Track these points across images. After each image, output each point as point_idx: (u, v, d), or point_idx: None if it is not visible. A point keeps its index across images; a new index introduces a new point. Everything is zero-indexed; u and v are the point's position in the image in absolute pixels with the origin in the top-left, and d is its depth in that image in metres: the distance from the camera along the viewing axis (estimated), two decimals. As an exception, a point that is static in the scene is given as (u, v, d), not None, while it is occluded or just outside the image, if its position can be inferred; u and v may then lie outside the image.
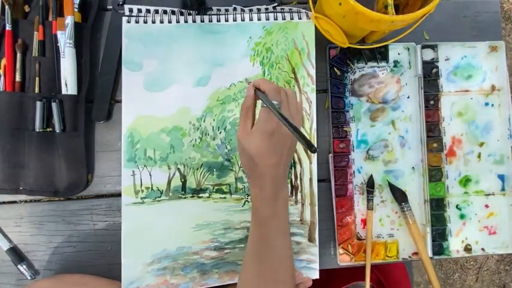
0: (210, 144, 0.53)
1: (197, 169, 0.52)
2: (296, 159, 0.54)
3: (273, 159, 0.38)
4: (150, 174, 0.51)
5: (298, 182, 0.53)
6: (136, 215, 0.51)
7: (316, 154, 0.54)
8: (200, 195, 0.52)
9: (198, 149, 0.53)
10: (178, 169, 0.52)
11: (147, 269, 0.50)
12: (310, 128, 0.54)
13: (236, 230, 0.52)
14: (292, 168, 0.53)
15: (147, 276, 0.50)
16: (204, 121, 0.53)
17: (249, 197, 0.53)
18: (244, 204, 0.53)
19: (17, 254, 0.50)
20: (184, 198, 0.52)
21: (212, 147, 0.53)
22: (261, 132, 0.37)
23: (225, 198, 0.53)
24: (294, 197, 0.53)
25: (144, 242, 0.50)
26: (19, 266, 0.50)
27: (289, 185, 0.53)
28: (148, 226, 0.51)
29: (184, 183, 0.52)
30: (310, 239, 0.53)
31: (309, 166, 0.54)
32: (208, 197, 0.52)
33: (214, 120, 0.53)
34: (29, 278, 0.50)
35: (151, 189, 0.51)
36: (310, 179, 0.53)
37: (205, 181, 0.53)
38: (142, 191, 0.51)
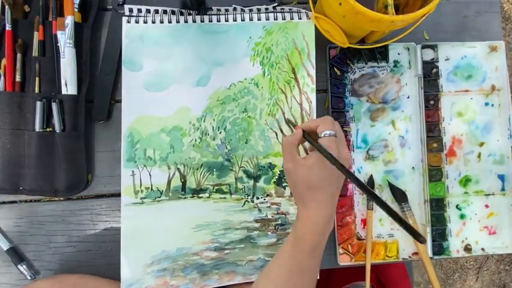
0: (210, 144, 0.53)
1: (197, 169, 0.52)
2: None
3: (333, 187, 0.38)
4: (149, 174, 0.51)
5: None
6: (136, 215, 0.51)
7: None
8: (200, 195, 0.52)
9: (198, 149, 0.53)
10: (178, 169, 0.52)
11: (147, 270, 0.50)
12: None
13: (236, 230, 0.52)
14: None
15: (147, 277, 0.50)
16: (204, 121, 0.53)
17: (248, 197, 0.53)
18: (244, 204, 0.53)
19: (17, 254, 0.50)
20: (184, 198, 0.52)
21: (212, 147, 0.53)
22: (323, 161, 0.36)
23: (225, 198, 0.53)
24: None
25: (143, 243, 0.50)
26: (19, 266, 0.50)
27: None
28: (148, 227, 0.51)
29: (184, 183, 0.52)
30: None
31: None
32: (208, 197, 0.52)
33: (214, 120, 0.53)
34: (28, 278, 0.50)
35: (151, 189, 0.51)
36: (310, 179, 0.53)
37: (205, 181, 0.53)
38: (142, 191, 0.51)
